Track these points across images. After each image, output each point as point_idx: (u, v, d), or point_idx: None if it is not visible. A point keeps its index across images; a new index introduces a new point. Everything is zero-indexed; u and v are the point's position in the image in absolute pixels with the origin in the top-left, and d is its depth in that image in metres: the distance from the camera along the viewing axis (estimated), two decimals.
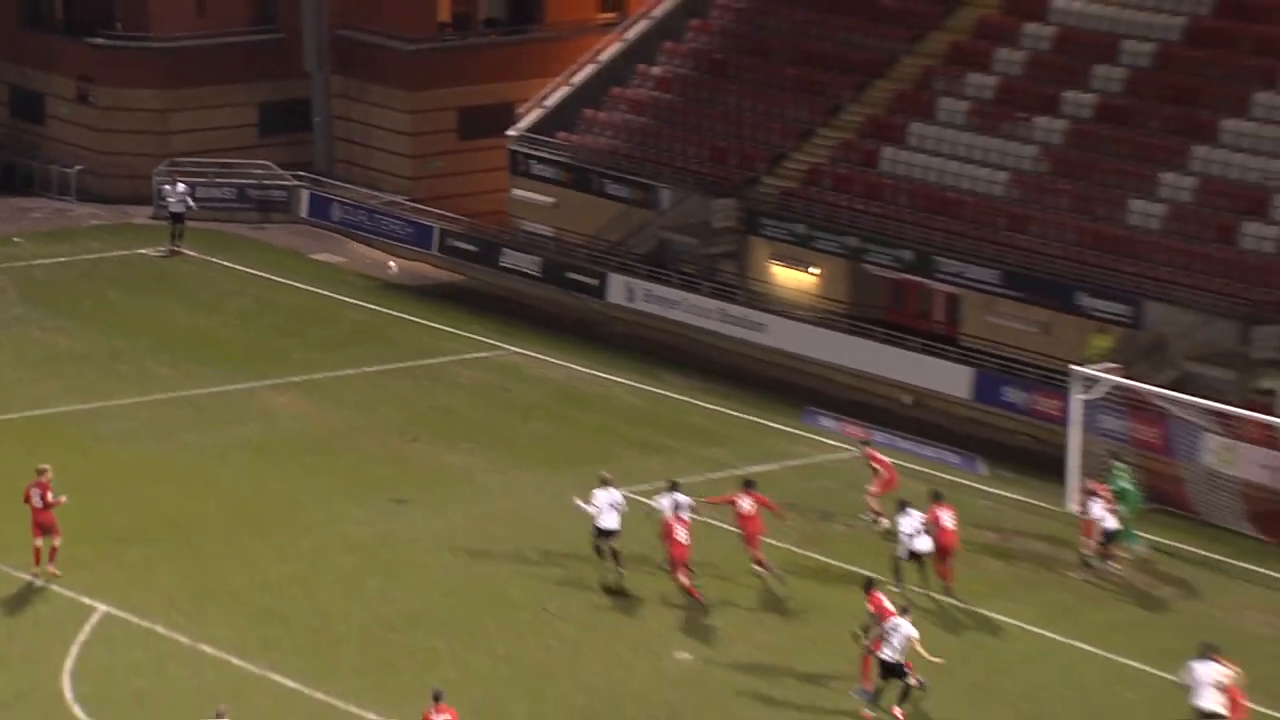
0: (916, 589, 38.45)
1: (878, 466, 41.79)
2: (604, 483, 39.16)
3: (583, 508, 38.93)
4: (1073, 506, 42.65)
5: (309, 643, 36.44)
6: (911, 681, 33.87)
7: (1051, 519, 42.81)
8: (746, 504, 39.06)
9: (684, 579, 38.13)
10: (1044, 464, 45.21)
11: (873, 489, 41.62)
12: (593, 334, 54.46)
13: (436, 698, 31.40)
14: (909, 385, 50.20)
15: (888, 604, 34.87)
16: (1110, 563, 39.99)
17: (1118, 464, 41.35)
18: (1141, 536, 40.78)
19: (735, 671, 35.87)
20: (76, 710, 33.92)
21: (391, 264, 39.55)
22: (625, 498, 39.19)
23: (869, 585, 35.43)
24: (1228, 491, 42.90)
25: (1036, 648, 36.84)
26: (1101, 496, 40.19)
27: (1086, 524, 40.31)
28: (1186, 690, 32.94)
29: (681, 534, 38.11)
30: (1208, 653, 32.96)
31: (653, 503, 39.30)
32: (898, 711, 33.75)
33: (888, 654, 33.67)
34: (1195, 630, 37.79)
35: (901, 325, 52.52)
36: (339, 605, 37.92)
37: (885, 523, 40.69)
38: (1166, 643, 37.02)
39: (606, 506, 38.78)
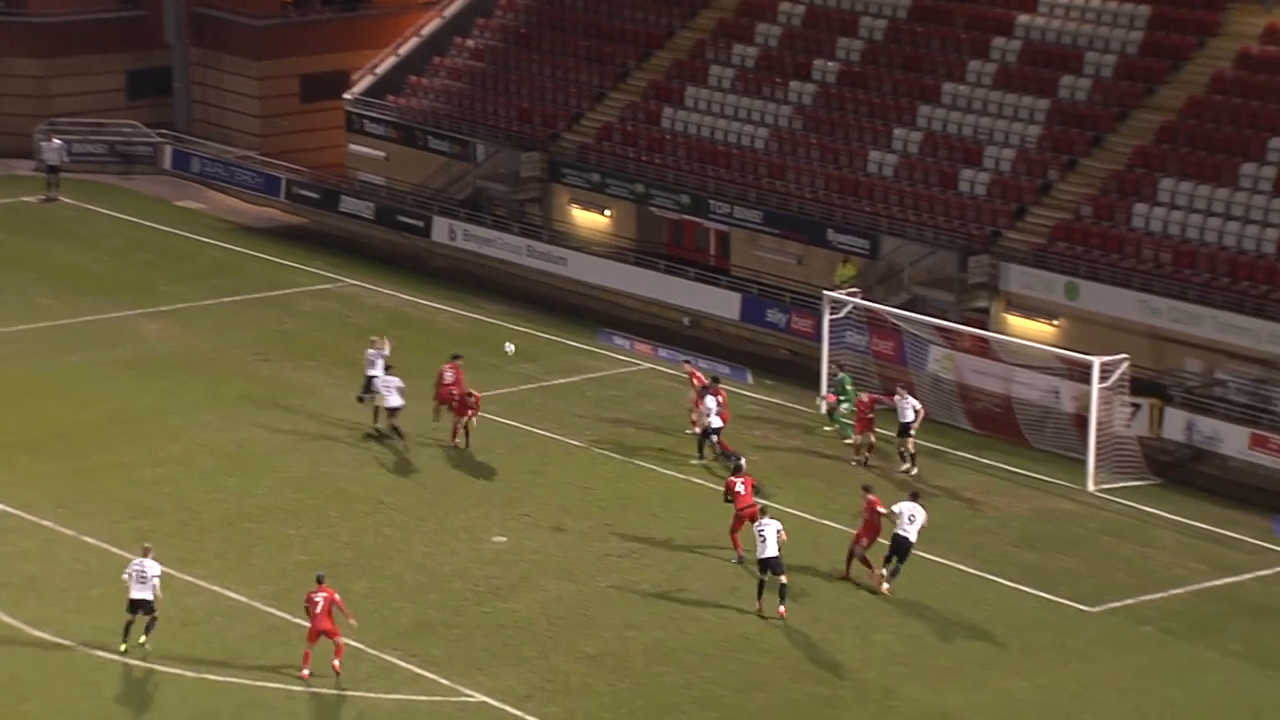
0: (698, 462, 39.18)
1: (696, 382, 41.81)
2: (373, 344, 41.90)
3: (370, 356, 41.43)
4: (819, 404, 43.36)
5: (178, 532, 36.18)
6: (783, 579, 33.35)
7: (808, 419, 43.49)
8: (449, 374, 40.24)
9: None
10: (801, 373, 45.88)
11: (694, 397, 41.61)
12: (419, 268, 54.29)
13: (319, 580, 31.33)
14: (687, 309, 50.63)
15: (740, 487, 35.23)
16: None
17: (842, 373, 42.06)
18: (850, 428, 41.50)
19: (543, 552, 36.18)
20: None
21: (509, 347, 40.88)
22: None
23: (736, 470, 36.08)
24: (948, 393, 43.87)
25: (792, 525, 37.41)
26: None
27: (858, 419, 40.50)
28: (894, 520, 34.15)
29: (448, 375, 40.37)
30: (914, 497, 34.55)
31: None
32: (782, 610, 33.27)
33: (767, 551, 33.18)
34: (923, 507, 38.61)
35: (681, 258, 52.93)
36: (203, 500, 37.68)
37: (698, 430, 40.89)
38: None
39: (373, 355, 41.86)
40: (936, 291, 47.48)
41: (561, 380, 45.45)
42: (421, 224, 55.97)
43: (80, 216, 57.43)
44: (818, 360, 44.28)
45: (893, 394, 40.94)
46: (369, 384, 41.57)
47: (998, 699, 31.14)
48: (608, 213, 55.13)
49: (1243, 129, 46.39)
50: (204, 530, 36.30)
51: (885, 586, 34.40)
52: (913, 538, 34.32)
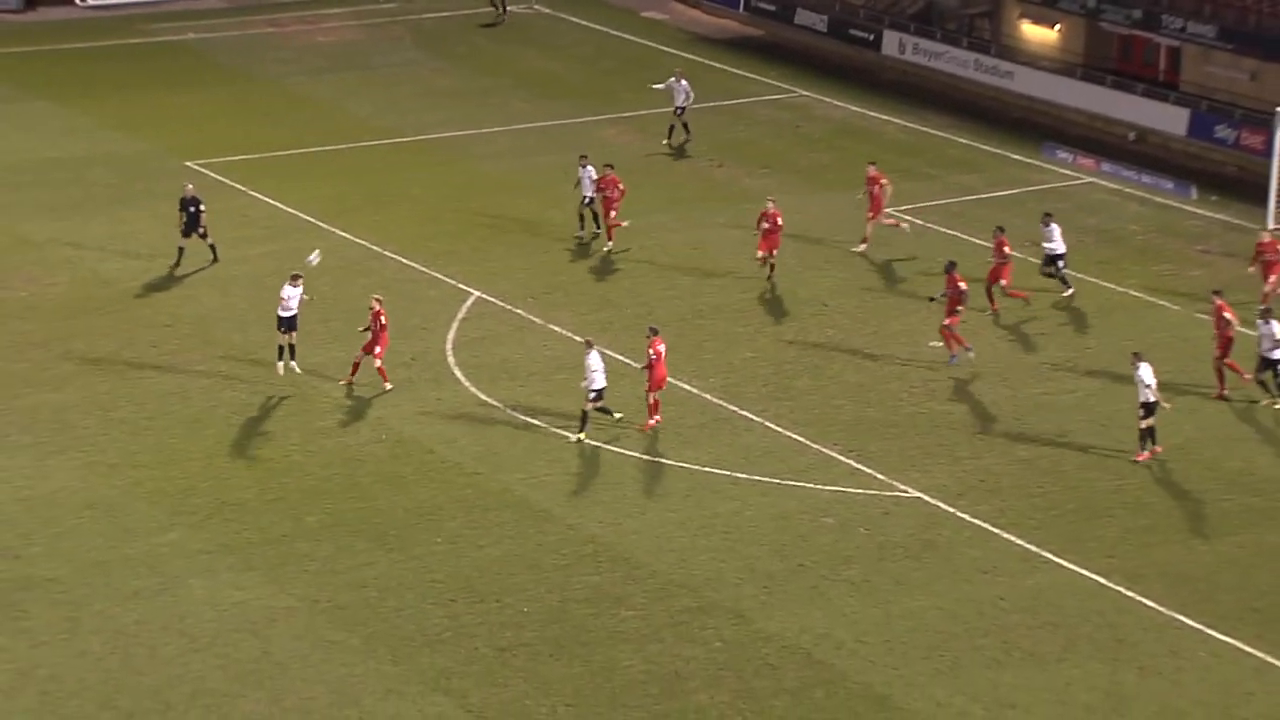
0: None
1: (880, 188, 39.81)
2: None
3: None
4: (1270, 224, 41.44)
5: (634, 325, 37.03)
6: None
7: (1252, 236, 41.56)
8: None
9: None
10: (1248, 190, 43.87)
11: (870, 214, 40.11)
12: (868, 81, 53.74)
13: (654, 331, 32.47)
14: (1133, 124, 48.82)
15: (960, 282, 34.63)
16: None
17: None
18: None
19: (980, 358, 35.76)
20: (457, 372, 35.14)
21: (313, 257, 35.50)
22: None
23: (950, 265, 35.24)
24: None
25: (1205, 331, 35.95)
26: None
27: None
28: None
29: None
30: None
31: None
32: (1148, 454, 31.34)
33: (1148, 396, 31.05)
34: None
35: (1129, 74, 50.94)
36: (659, 297, 38.45)
37: (905, 226, 40.26)
38: None
39: None
40: None
41: (1003, 193, 44.59)
42: (872, 37, 55.25)
43: (554, 25, 58.78)
44: (1266, 178, 42.19)
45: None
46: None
47: None
48: (1057, 27, 53.35)
49: None
50: (660, 325, 37.01)
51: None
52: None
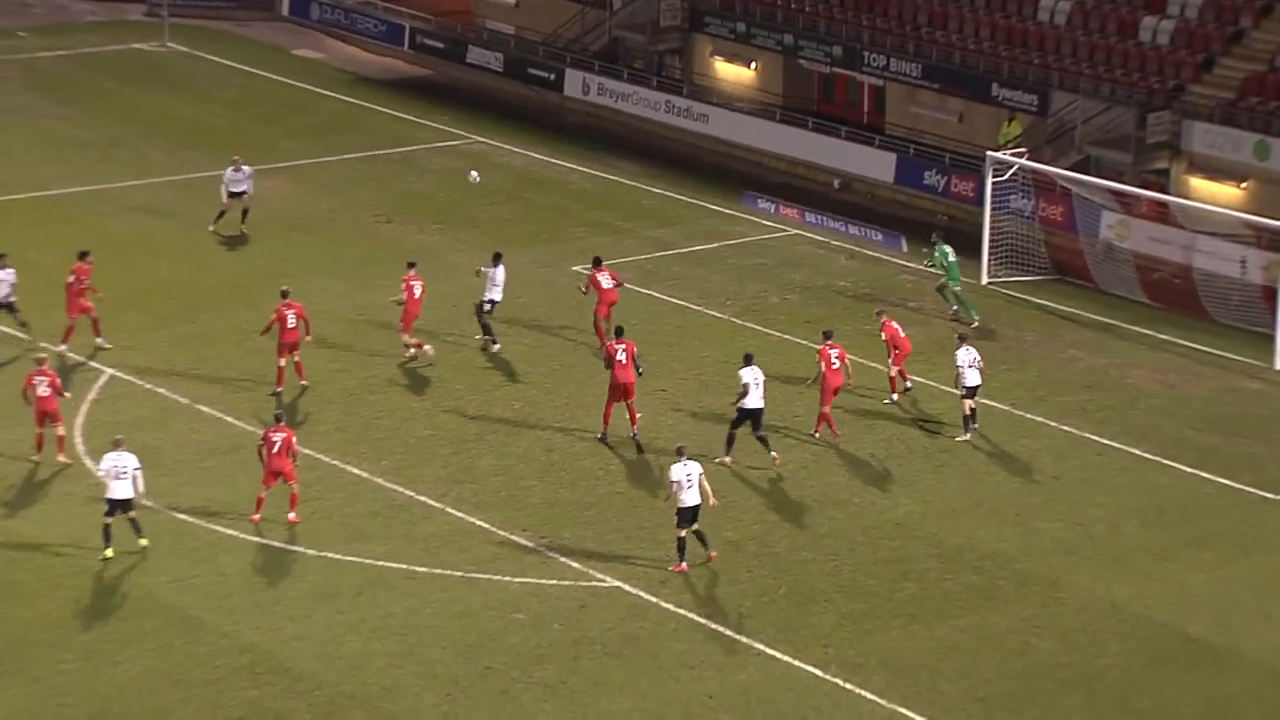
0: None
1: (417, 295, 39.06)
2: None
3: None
4: (984, 279, 42.90)
5: (296, 403, 36.50)
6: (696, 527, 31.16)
7: (966, 290, 42.92)
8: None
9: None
10: (960, 242, 45.20)
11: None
12: (551, 124, 54.15)
13: (277, 419, 32.03)
14: (837, 170, 50.12)
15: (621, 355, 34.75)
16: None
17: (941, 243, 41.17)
18: (971, 310, 40.88)
19: (680, 429, 36.10)
20: (87, 462, 34.03)
21: (474, 174, 38.71)
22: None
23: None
24: (1122, 263, 43.26)
25: (948, 403, 37.11)
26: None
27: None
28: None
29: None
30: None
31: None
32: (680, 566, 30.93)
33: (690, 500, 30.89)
34: (1093, 386, 38.29)
35: (831, 115, 52.33)
36: (320, 370, 37.95)
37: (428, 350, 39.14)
38: (1070, 395, 37.60)
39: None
40: (1111, 152, 46.66)
41: (701, 246, 45.25)
42: (553, 76, 55.75)
43: (193, 65, 57.83)
44: (979, 227, 43.70)
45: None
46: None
47: (1171, 591, 30.79)
48: (753, 65, 54.58)
49: None
50: (324, 402, 36.60)
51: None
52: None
